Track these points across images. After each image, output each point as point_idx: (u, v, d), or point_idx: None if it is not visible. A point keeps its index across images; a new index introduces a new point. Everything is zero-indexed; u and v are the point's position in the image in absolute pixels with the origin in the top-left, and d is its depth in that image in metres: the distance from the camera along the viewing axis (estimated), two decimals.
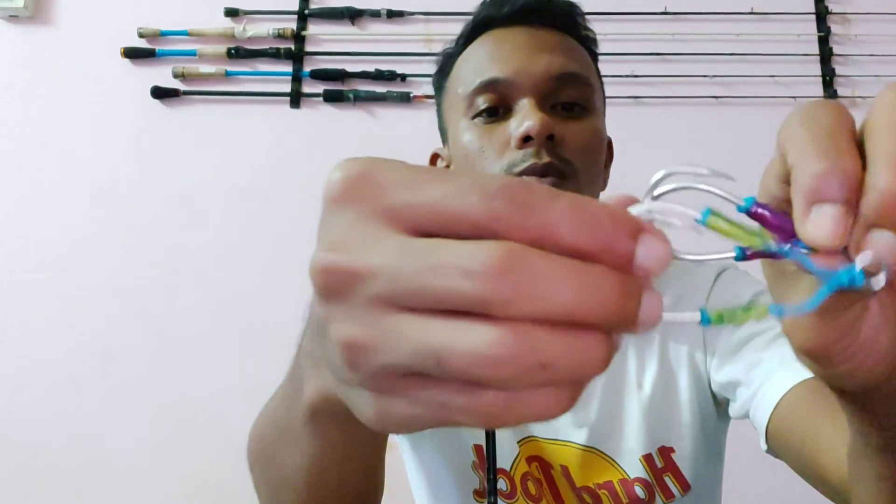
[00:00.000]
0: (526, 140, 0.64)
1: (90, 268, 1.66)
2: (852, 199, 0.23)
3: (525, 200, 0.20)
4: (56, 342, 1.63)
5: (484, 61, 0.70)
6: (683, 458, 0.69)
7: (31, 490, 1.56)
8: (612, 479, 0.68)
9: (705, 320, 0.23)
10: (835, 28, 1.73)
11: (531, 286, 0.19)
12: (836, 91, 1.69)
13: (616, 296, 0.20)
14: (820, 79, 1.70)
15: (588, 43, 0.75)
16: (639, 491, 0.68)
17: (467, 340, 0.20)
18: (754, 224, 0.25)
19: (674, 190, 0.24)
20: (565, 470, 0.69)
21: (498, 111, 0.68)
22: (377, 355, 0.21)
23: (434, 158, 0.80)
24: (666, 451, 0.69)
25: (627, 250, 0.21)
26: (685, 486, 0.69)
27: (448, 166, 0.77)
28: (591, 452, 0.69)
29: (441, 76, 0.77)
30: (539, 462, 0.70)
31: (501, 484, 0.70)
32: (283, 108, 1.73)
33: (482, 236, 0.20)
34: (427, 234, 0.21)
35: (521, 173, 0.63)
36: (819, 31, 1.73)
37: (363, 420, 0.24)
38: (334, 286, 0.22)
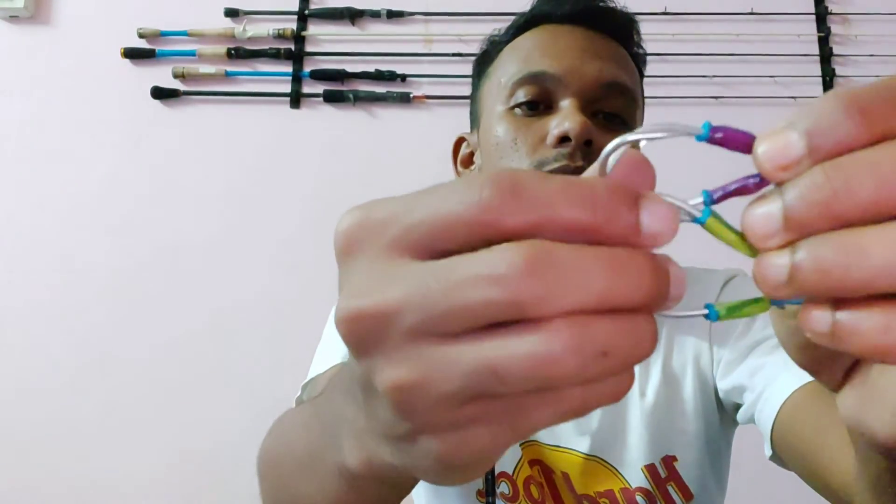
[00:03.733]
0: (563, 140, 0.62)
1: (90, 267, 1.67)
2: (820, 151, 0.19)
3: (514, 187, 0.20)
4: (55, 342, 1.63)
5: (534, 53, 0.68)
6: (686, 467, 0.68)
7: (31, 490, 1.57)
8: (613, 488, 0.68)
9: (713, 315, 0.23)
10: (835, 28, 1.73)
11: (563, 279, 0.19)
12: None
13: (648, 274, 0.20)
14: (820, 79, 1.70)
15: (638, 60, 0.73)
16: (640, 500, 0.67)
17: (522, 345, 0.19)
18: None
19: (621, 145, 0.22)
20: (566, 477, 0.69)
21: (538, 106, 0.66)
22: (430, 390, 0.20)
23: (459, 142, 0.79)
24: (669, 460, 0.68)
25: (630, 219, 0.20)
26: (688, 495, 0.68)
27: (473, 153, 0.75)
28: (593, 461, 0.69)
29: (484, 61, 0.75)
30: (541, 466, 0.70)
31: (504, 487, 0.70)
32: (283, 108, 1.73)
33: (492, 239, 0.20)
34: (441, 254, 0.20)
35: (551, 172, 0.62)
36: (819, 31, 1.73)
37: (426, 473, 0.23)
38: (365, 333, 0.21)
